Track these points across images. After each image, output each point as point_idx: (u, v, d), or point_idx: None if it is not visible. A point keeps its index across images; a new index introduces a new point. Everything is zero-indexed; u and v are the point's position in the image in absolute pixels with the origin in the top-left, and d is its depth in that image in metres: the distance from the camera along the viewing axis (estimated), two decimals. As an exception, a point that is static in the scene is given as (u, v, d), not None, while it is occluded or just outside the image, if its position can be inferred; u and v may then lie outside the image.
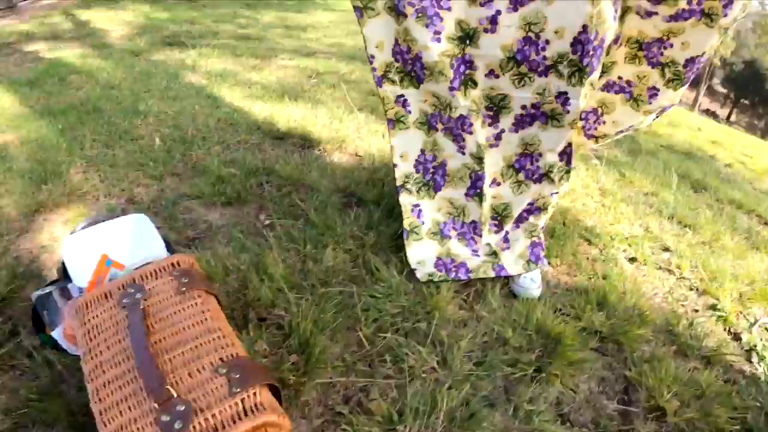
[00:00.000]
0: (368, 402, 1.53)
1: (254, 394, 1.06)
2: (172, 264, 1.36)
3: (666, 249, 2.52)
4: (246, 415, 1.03)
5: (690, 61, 1.76)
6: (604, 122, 1.97)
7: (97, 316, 1.26)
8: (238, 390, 1.06)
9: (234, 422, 1.01)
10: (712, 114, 39.09)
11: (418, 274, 1.95)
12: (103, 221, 1.67)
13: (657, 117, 1.96)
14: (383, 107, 1.92)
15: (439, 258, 1.99)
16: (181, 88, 4.19)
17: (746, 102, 45.44)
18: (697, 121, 8.02)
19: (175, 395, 1.05)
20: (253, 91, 3.99)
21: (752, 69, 41.45)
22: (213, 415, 1.02)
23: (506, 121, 1.79)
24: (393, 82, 1.86)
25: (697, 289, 2.29)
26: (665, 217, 2.83)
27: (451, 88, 1.75)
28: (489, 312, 1.87)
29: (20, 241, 2.25)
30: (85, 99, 3.89)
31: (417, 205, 2.01)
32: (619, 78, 1.88)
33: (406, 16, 1.68)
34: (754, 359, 1.97)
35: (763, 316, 2.22)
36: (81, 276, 1.47)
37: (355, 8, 1.76)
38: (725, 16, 1.65)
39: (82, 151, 2.99)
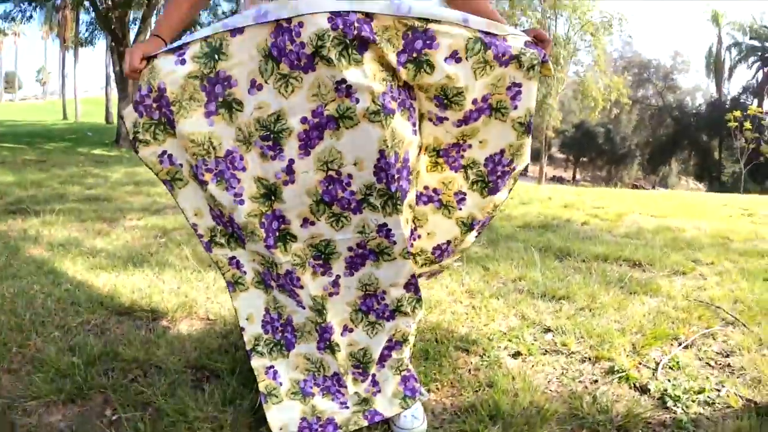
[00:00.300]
0: None
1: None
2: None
3: (547, 330, 2.50)
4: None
5: (490, 160, 1.77)
6: (419, 236, 1.91)
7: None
8: None
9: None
10: (558, 179, 43.82)
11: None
12: None
13: (479, 231, 1.92)
14: (220, 271, 1.87)
15: (303, 418, 1.84)
16: (22, 264, 3.94)
17: (585, 159, 51.16)
18: (547, 192, 8.46)
19: None
20: (97, 260, 3.81)
21: (582, 130, 47.27)
22: None
23: (338, 267, 1.75)
24: (221, 245, 1.82)
25: (589, 359, 2.28)
26: (538, 297, 2.83)
27: (267, 246, 1.67)
28: None
29: None
30: None
31: (271, 367, 1.90)
32: (425, 188, 1.87)
33: (206, 182, 1.64)
34: (669, 403, 1.96)
35: (662, 356, 2.22)
36: None
37: (164, 182, 1.76)
38: (515, 108, 1.67)
39: None
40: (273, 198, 1.67)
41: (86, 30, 26.66)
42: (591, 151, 47.68)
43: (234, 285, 1.86)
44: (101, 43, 27.58)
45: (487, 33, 1.65)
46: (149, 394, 2.13)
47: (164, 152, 1.70)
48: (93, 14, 22.17)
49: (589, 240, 4.37)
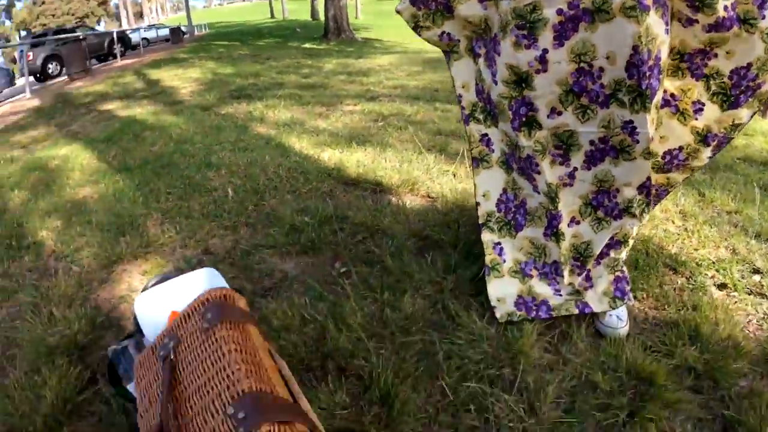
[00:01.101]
0: None
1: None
2: (203, 302, 1.24)
3: (756, 271, 2.38)
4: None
5: (735, 72, 1.67)
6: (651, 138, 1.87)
7: (145, 373, 1.23)
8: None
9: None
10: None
11: (498, 313, 1.89)
12: (174, 277, 1.70)
13: (716, 152, 1.84)
14: (468, 146, 1.93)
15: (519, 296, 1.94)
16: (251, 139, 4.29)
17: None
18: (773, 125, 7.70)
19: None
20: (321, 138, 4.04)
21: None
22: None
23: (577, 159, 1.74)
24: (478, 121, 1.90)
25: (793, 311, 2.15)
26: (751, 236, 2.70)
27: (513, 128, 1.75)
28: (576, 354, 1.76)
29: (100, 291, 2.30)
30: (159, 154, 4.03)
31: (498, 243, 1.97)
32: (663, 91, 1.80)
33: (479, 56, 1.76)
34: None
35: None
36: (153, 332, 1.48)
37: (444, 52, 1.90)
38: (763, 18, 1.57)
39: (157, 204, 3.08)
40: (524, 85, 1.73)
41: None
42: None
43: (479, 161, 1.94)
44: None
45: None
46: (377, 254, 2.26)
47: (443, 32, 1.83)
48: None
49: (818, 184, 4.01)
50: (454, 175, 2.94)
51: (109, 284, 2.36)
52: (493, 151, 1.91)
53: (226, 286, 1.63)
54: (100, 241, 2.70)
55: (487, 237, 1.98)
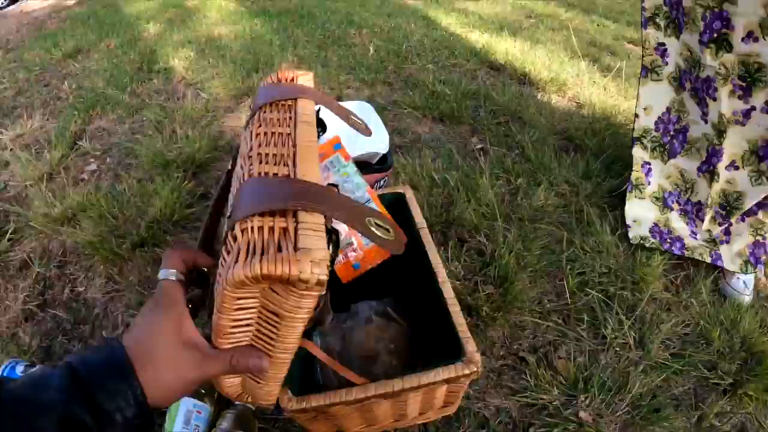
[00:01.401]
0: (555, 358, 1.40)
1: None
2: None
3: None
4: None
5: None
6: None
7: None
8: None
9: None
10: None
11: (630, 234, 1.78)
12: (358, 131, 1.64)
13: None
14: (642, 52, 1.76)
15: (656, 224, 1.81)
16: (395, 7, 4.16)
17: None
18: None
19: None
20: (469, 19, 3.87)
21: None
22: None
23: (759, 98, 1.51)
24: (658, 27, 1.71)
25: None
26: None
27: (701, 42, 1.55)
28: (696, 303, 1.62)
29: (225, 119, 2.32)
30: (300, 5, 3.99)
31: (648, 163, 1.83)
32: None
33: None
34: None
35: None
36: None
37: None
38: None
39: (294, 50, 3.05)
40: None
41: None
42: None
43: (648, 71, 1.74)
44: None
45: None
46: (517, 139, 2.15)
47: None
48: None
49: None
50: (605, 89, 2.75)
51: (236, 114, 2.38)
52: (666, 63, 1.72)
53: (384, 127, 1.56)
54: (232, 74, 2.71)
55: (638, 153, 1.84)
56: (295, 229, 0.58)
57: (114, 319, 1.51)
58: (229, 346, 0.65)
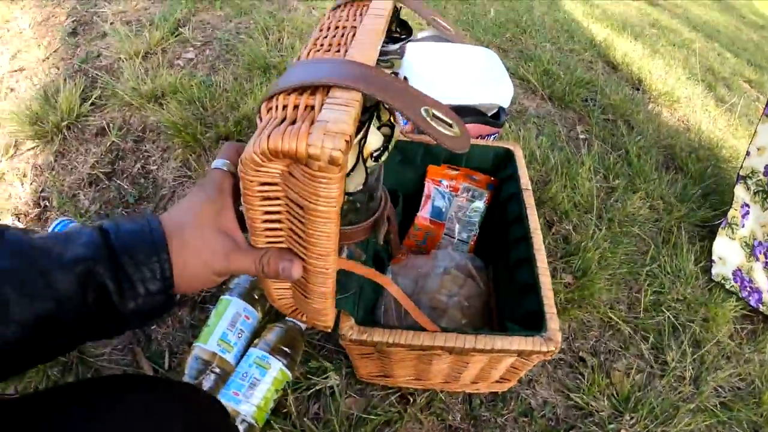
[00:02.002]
0: (612, 368, 1.37)
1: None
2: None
3: None
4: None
5: None
6: None
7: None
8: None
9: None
10: None
11: (713, 270, 1.72)
12: (452, 41, 1.58)
13: None
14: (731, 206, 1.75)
15: (739, 269, 1.75)
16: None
17: None
18: None
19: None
20: (593, 11, 3.75)
21: None
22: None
23: None
24: (747, 188, 1.73)
25: None
26: None
27: None
28: (758, 360, 1.55)
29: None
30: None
31: (747, 205, 1.77)
32: None
33: None
34: None
35: None
36: (421, 83, 1.38)
37: None
38: None
39: None
40: None
41: None
42: None
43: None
44: None
45: None
46: (622, 140, 2.10)
47: None
48: None
49: None
50: (715, 120, 2.65)
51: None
52: None
53: (506, 74, 1.51)
54: None
55: (740, 192, 1.78)
56: (322, 104, 0.52)
57: (179, 205, 1.52)
58: (264, 246, 0.61)
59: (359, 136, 0.61)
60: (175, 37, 2.15)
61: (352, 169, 0.63)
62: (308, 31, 2.30)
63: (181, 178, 1.59)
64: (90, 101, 1.80)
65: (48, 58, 2.03)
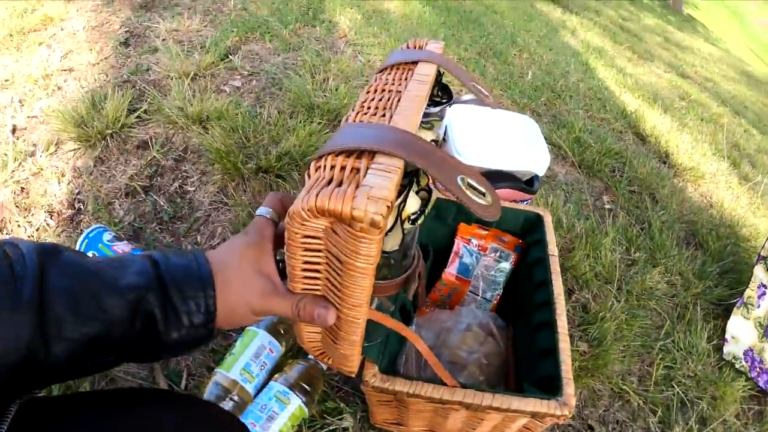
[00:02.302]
0: None
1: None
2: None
3: None
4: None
5: None
6: None
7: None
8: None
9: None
10: None
11: (725, 348, 1.76)
12: (487, 106, 1.64)
13: None
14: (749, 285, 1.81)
15: (751, 349, 1.79)
16: (558, 42, 4.17)
17: None
18: None
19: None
20: (626, 80, 3.83)
21: None
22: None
23: None
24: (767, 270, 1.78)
25: None
26: None
27: None
28: None
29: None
30: (469, 11, 3.99)
31: (764, 286, 1.82)
32: None
33: None
34: None
35: None
36: (461, 146, 1.45)
37: None
38: None
39: (456, 49, 3.09)
40: None
41: None
42: None
43: None
44: None
45: None
46: (647, 214, 2.16)
47: None
48: None
49: None
50: (737, 198, 2.70)
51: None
52: None
53: (544, 143, 1.57)
54: (393, 47, 2.72)
55: (759, 272, 1.83)
56: (367, 169, 0.55)
57: (213, 229, 1.56)
58: (301, 292, 0.65)
59: (399, 200, 0.67)
60: (224, 63, 2.23)
61: (390, 230, 0.69)
62: (353, 75, 2.38)
63: (218, 203, 1.63)
64: (136, 114, 1.85)
65: (98, 63, 2.10)
